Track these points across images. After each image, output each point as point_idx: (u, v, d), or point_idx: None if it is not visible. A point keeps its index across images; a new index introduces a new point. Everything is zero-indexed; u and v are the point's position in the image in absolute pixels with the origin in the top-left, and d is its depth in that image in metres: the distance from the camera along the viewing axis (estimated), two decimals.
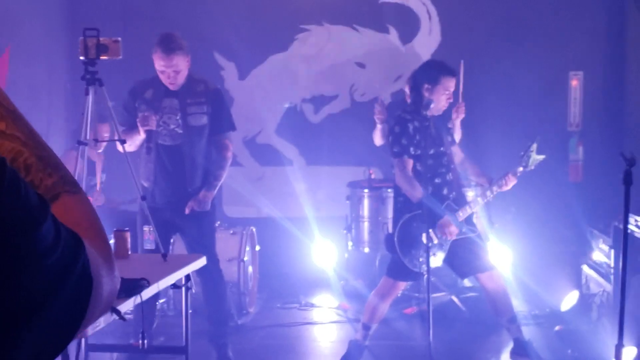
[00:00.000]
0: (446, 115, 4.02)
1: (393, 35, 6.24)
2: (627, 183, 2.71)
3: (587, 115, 5.95)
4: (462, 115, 4.23)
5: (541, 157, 3.89)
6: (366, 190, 5.35)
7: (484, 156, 5.13)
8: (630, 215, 3.46)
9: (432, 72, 3.83)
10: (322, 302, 5.46)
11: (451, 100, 3.94)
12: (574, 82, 5.90)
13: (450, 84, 3.86)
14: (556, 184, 5.70)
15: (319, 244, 5.87)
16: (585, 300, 4.66)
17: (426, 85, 3.81)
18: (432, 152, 3.87)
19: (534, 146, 3.90)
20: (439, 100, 3.83)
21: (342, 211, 5.63)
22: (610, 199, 4.77)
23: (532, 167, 3.91)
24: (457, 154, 4.11)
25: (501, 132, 5.67)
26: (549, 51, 5.92)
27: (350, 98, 6.26)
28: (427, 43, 6.19)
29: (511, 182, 3.90)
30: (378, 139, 4.98)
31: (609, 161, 5.18)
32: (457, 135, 4.22)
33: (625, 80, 5.89)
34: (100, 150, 5.04)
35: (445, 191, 3.93)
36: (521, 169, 3.90)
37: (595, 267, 4.64)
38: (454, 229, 3.80)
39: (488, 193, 3.87)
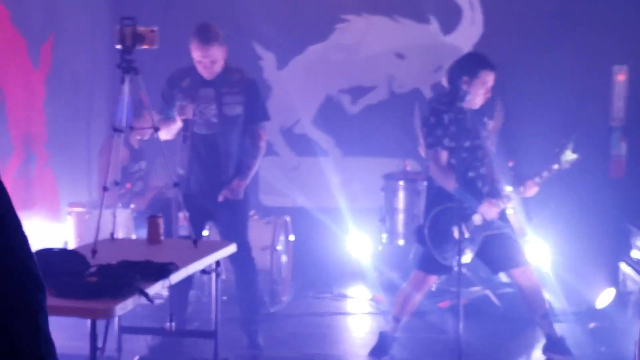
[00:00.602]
0: (483, 109, 3.99)
1: (434, 26, 6.19)
2: None
3: (631, 110, 5.82)
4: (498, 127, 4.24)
5: (575, 156, 3.84)
6: (401, 182, 5.35)
7: (520, 152, 5.09)
8: None
9: (471, 64, 3.81)
10: (355, 293, 5.49)
11: (489, 96, 3.91)
12: (620, 77, 5.78)
13: (489, 78, 3.83)
14: (596, 180, 5.61)
15: (353, 235, 5.90)
16: (622, 298, 4.59)
17: (465, 78, 3.79)
18: (467, 144, 3.85)
19: (570, 144, 3.86)
20: (477, 94, 3.81)
21: (376, 203, 5.64)
22: None
23: (567, 166, 3.86)
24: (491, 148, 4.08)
25: (540, 128, 5.59)
26: (592, 45, 5.80)
27: (388, 89, 6.24)
28: (468, 34, 6.13)
29: (530, 190, 3.87)
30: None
31: None
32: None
33: None
34: (145, 138, 5.15)
35: (479, 185, 3.91)
36: (556, 166, 3.86)
37: (633, 264, 4.56)
38: (497, 209, 3.80)
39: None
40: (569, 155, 3.84)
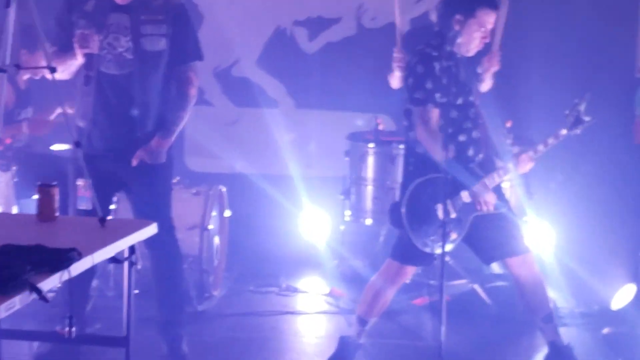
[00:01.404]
0: (477, 57, 4.01)
1: None
2: None
3: None
4: (496, 67, 4.22)
5: (588, 119, 3.90)
6: (372, 145, 5.36)
7: (523, 113, 5.16)
8: None
9: (467, 1, 3.82)
10: (309, 287, 5.51)
11: (487, 40, 3.93)
12: None
13: (488, 18, 3.85)
14: (616, 147, 5.71)
15: (307, 211, 5.91)
16: None
17: (457, 16, 3.81)
18: (459, 101, 3.88)
19: (583, 105, 3.91)
20: (471, 37, 3.84)
21: (339, 171, 5.65)
22: None
23: (578, 132, 3.93)
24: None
25: (548, 82, 5.67)
26: None
27: (356, 23, 6.21)
28: None
29: (524, 166, 3.95)
30: (396, 83, 5.02)
31: None
32: (485, 86, 4.23)
33: None
34: (36, 77, 5.03)
35: (470, 152, 3.95)
36: (564, 131, 3.92)
37: None
38: (490, 198, 3.85)
39: (496, 177, 3.91)
40: (584, 118, 3.89)
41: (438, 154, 3.81)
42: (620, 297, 4.78)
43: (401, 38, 4.81)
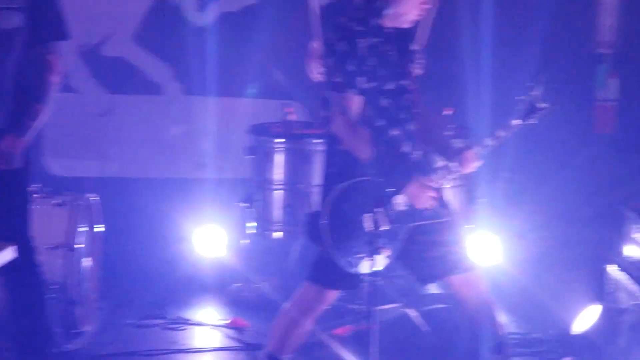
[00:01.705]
0: (410, 32, 4.02)
1: None
2: None
3: (625, 30, 6.08)
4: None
5: (544, 105, 3.96)
6: (281, 140, 5.33)
7: (466, 98, 5.20)
8: None
9: None
10: (204, 317, 5.48)
11: (427, 7, 3.94)
12: None
13: None
14: (574, 137, 5.84)
15: (201, 223, 5.86)
16: (611, 318, 4.77)
17: None
18: (390, 86, 3.89)
19: (538, 89, 3.93)
20: (410, 6, 3.86)
21: (240, 172, 5.66)
22: None
23: (533, 121, 3.96)
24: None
25: (496, 60, 5.74)
26: None
27: None
28: None
29: (469, 164, 3.97)
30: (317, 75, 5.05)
31: None
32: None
33: None
34: None
35: (405, 149, 3.94)
36: (517, 122, 3.95)
37: (628, 268, 4.78)
38: (431, 195, 3.89)
39: (437, 178, 3.92)
40: (537, 105, 3.93)
41: (362, 151, 3.80)
42: (583, 320, 4.85)
43: (319, 18, 4.82)
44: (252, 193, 5.48)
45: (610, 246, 5.00)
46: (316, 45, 5.06)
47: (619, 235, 4.92)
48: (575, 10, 6.04)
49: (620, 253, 4.91)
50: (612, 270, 4.93)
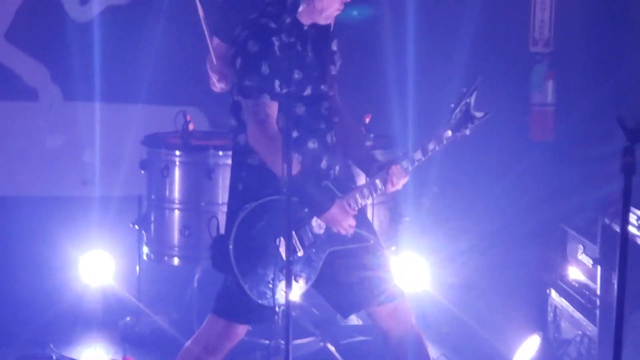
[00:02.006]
0: (329, 29, 3.97)
1: None
2: (628, 170, 2.80)
3: (562, 27, 6.18)
4: None
5: (480, 115, 3.96)
6: (178, 153, 5.29)
7: (389, 103, 5.21)
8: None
9: None
10: (90, 355, 5.42)
11: (348, 0, 3.95)
12: None
13: None
14: (509, 146, 5.90)
15: (87, 247, 5.79)
16: (553, 350, 4.82)
17: None
18: (307, 92, 3.88)
19: (473, 95, 3.95)
20: (328, 0, 3.85)
21: (131, 189, 5.59)
22: (598, 175, 4.99)
23: (468, 132, 3.98)
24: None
25: (424, 60, 5.78)
26: None
27: None
28: None
29: (396, 180, 3.95)
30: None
31: (599, 108, 5.41)
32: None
33: None
34: None
35: (323, 164, 3.94)
36: (449, 133, 3.97)
37: (571, 293, 4.84)
38: (351, 222, 3.88)
39: (358, 197, 3.93)
40: (476, 113, 3.94)
41: (278, 166, 3.78)
42: (522, 353, 4.89)
43: (219, 12, 4.81)
44: (145, 213, 5.41)
45: (551, 268, 5.06)
46: (217, 44, 5.05)
47: (562, 256, 4.99)
48: (508, 4, 6.12)
49: (563, 276, 4.97)
50: (555, 295, 5.00)
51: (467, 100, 3.95)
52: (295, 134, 3.81)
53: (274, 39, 3.80)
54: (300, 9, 3.82)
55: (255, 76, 3.80)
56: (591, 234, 4.68)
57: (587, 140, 5.78)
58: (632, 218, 4.18)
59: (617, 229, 4.42)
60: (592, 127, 5.81)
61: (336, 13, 3.93)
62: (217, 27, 4.99)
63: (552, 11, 6.17)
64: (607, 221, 4.48)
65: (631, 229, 4.13)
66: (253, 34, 3.84)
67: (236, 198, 3.97)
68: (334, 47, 4.06)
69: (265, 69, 3.80)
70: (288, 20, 3.81)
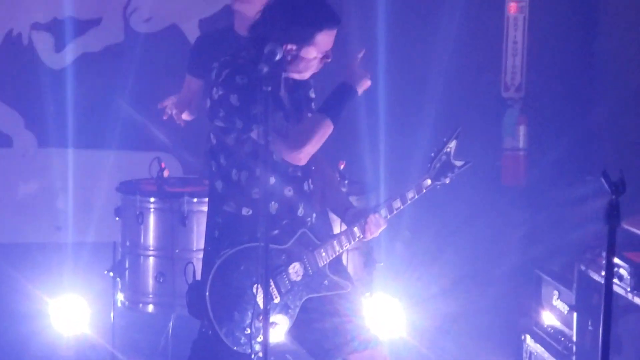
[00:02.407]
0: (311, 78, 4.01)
1: None
2: (613, 221, 2.82)
3: (534, 72, 6.25)
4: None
5: (460, 163, 4.01)
6: (152, 200, 5.29)
7: (365, 149, 5.22)
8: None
9: (302, 24, 3.78)
10: None
11: (329, 60, 3.95)
12: (512, 8, 6.16)
13: (330, 38, 3.88)
14: (481, 190, 5.92)
15: (59, 295, 5.73)
16: None
17: (290, 47, 3.78)
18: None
19: (452, 143, 4.00)
20: (309, 64, 3.87)
21: (106, 236, 5.58)
22: (571, 219, 5.02)
23: (448, 181, 4.01)
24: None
25: (400, 107, 5.83)
26: None
27: (124, 25, 6.25)
28: None
29: (376, 228, 3.98)
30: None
31: (573, 153, 5.44)
32: None
33: (595, 9, 6.24)
34: None
35: (300, 211, 3.95)
36: (428, 181, 4.00)
37: (546, 339, 4.83)
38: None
39: (336, 246, 3.95)
40: (455, 162, 3.98)
41: (326, 135, 3.86)
42: None
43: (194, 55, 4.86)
44: (120, 260, 5.37)
45: (526, 313, 5.06)
46: (194, 84, 5.09)
47: (536, 301, 4.99)
48: (480, 49, 6.18)
49: (538, 322, 4.97)
50: (530, 341, 5.00)
51: (447, 150, 3.99)
52: (272, 180, 3.82)
53: (254, 82, 3.69)
54: (285, 68, 3.80)
55: (256, 103, 3.69)
56: (566, 280, 4.69)
57: (559, 184, 5.81)
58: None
59: (593, 275, 4.46)
60: (564, 172, 5.86)
61: (314, 71, 3.95)
62: (191, 65, 5.06)
63: (524, 56, 6.24)
64: (582, 267, 4.49)
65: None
66: (237, 70, 3.81)
67: (212, 245, 3.97)
68: (312, 95, 4.08)
69: (252, 109, 3.75)
70: (265, 69, 3.76)
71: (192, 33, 6.07)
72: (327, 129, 3.89)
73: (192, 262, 4.83)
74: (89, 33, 6.24)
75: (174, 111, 5.20)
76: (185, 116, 5.21)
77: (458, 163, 4.01)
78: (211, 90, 3.91)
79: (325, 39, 3.86)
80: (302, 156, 3.87)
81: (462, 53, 6.09)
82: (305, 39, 3.83)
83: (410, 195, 4.00)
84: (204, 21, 6.12)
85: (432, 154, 4.02)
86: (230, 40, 4.86)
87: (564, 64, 6.30)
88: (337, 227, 4.33)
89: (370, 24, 5.97)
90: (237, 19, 5.09)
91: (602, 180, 2.84)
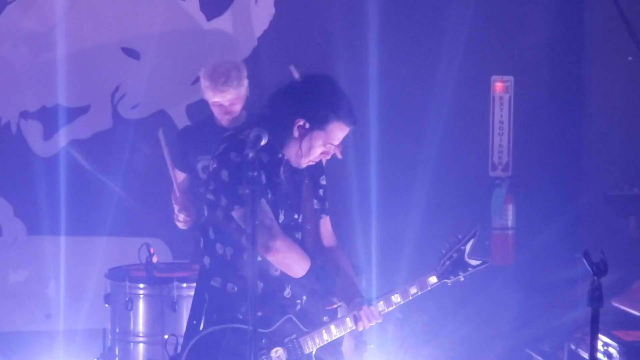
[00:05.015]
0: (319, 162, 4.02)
1: (191, 4, 6.31)
2: (595, 303, 2.84)
3: (521, 151, 6.31)
4: None
5: (476, 262, 3.96)
6: (142, 286, 5.27)
7: (359, 233, 5.24)
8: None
9: (323, 105, 3.81)
10: None
11: (328, 157, 3.99)
12: (498, 87, 6.24)
13: (340, 135, 3.88)
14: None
15: None
16: None
17: (301, 122, 3.82)
18: (280, 218, 3.84)
19: (469, 242, 3.95)
20: (311, 150, 3.85)
21: (96, 323, 5.54)
22: (561, 299, 5.03)
23: (462, 279, 3.96)
24: (326, 234, 4.12)
25: (387, 188, 5.87)
26: (468, 53, 6.25)
27: (112, 111, 6.25)
28: (249, 18, 6.29)
29: (370, 321, 3.91)
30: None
31: (562, 231, 5.47)
32: None
33: (580, 89, 6.33)
34: None
35: (287, 292, 3.91)
36: (434, 279, 3.94)
37: None
38: None
39: (324, 335, 3.89)
40: (471, 261, 3.94)
41: (299, 264, 3.80)
42: None
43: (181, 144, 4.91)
44: (110, 347, 5.35)
45: None
46: (182, 179, 5.15)
47: None
48: (467, 129, 6.24)
49: None
50: None
51: (462, 248, 3.95)
52: (258, 258, 3.75)
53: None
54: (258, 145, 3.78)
55: (244, 184, 3.56)
56: (557, 359, 4.71)
57: (548, 264, 5.82)
58: (599, 344, 4.20)
59: (583, 354, 4.46)
60: (553, 251, 5.87)
61: (313, 162, 3.94)
62: (175, 158, 5.10)
63: (510, 136, 6.29)
64: (572, 346, 4.48)
65: (599, 355, 4.15)
66: (234, 146, 3.80)
67: (197, 319, 3.94)
68: (323, 182, 4.06)
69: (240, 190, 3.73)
70: (251, 154, 3.70)
71: (179, 118, 6.11)
72: (302, 265, 3.85)
73: (174, 335, 4.86)
74: (77, 120, 6.24)
75: (181, 216, 5.21)
76: (183, 216, 5.25)
77: (474, 262, 3.97)
78: (210, 162, 3.91)
79: (336, 131, 3.86)
80: (268, 256, 3.81)
81: (449, 133, 6.13)
82: (319, 121, 3.83)
83: (412, 290, 3.95)
84: (191, 106, 6.14)
85: (443, 251, 3.97)
86: (212, 132, 4.88)
87: (550, 142, 6.35)
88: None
89: (359, 108, 6.02)
90: (216, 111, 5.12)
91: (584, 261, 2.87)
